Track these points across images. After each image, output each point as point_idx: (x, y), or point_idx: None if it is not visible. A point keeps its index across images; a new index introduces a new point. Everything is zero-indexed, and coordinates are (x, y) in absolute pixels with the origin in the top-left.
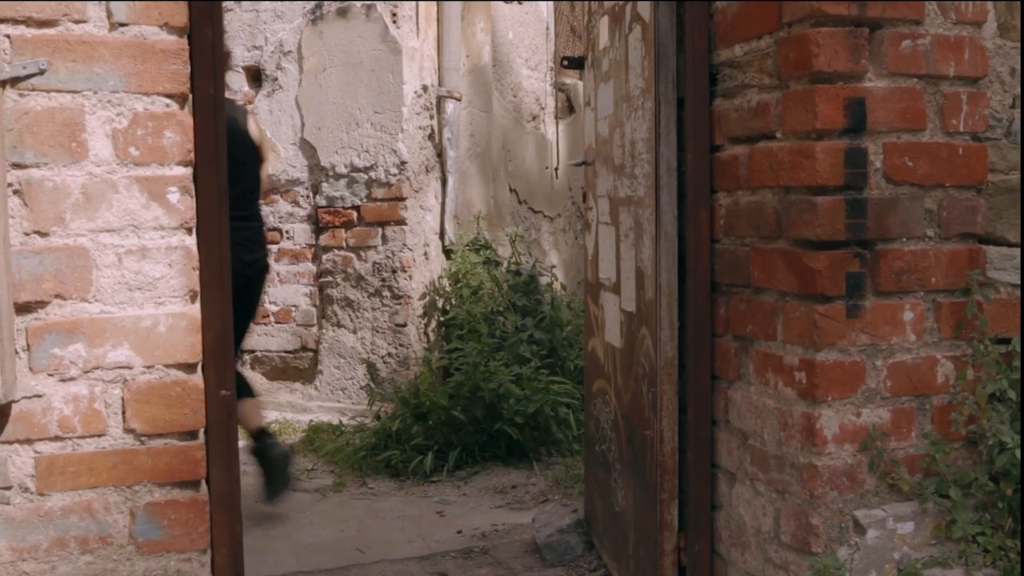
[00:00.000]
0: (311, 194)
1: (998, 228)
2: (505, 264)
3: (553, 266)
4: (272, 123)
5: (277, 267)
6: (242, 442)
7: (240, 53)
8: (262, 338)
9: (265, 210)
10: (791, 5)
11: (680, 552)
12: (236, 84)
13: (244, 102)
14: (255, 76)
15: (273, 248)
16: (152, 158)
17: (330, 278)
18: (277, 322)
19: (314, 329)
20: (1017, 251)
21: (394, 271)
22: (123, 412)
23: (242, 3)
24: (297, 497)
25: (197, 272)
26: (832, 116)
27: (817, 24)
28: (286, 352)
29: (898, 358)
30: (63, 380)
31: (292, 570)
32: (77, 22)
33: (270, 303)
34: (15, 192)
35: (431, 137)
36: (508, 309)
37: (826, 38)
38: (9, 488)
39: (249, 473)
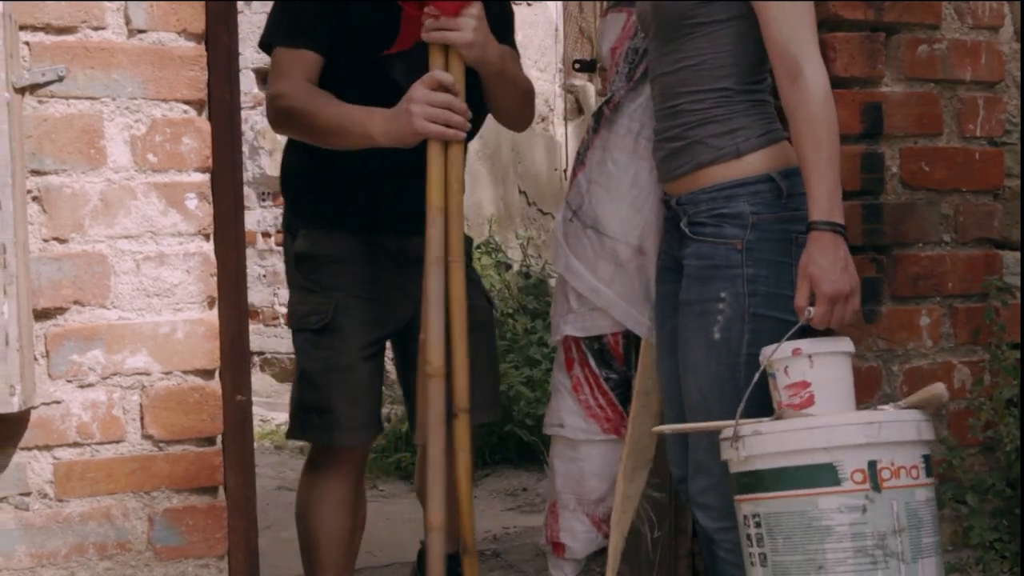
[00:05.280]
0: None
1: (1014, 233)
2: (516, 266)
3: None
4: None
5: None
6: (257, 443)
7: (250, 55)
8: (271, 340)
9: (274, 213)
10: None
11: (694, 557)
12: (246, 86)
13: (254, 104)
14: (265, 78)
15: (282, 251)
16: (170, 164)
17: None
18: (287, 324)
19: None
20: None
21: None
22: (141, 418)
23: (252, 4)
24: None
25: (215, 278)
26: (848, 121)
27: (833, 29)
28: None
29: (915, 363)
30: (81, 386)
31: (303, 573)
32: (96, 28)
33: (280, 305)
34: (34, 199)
35: None
36: (518, 311)
37: (843, 43)
38: (28, 494)
39: (260, 476)
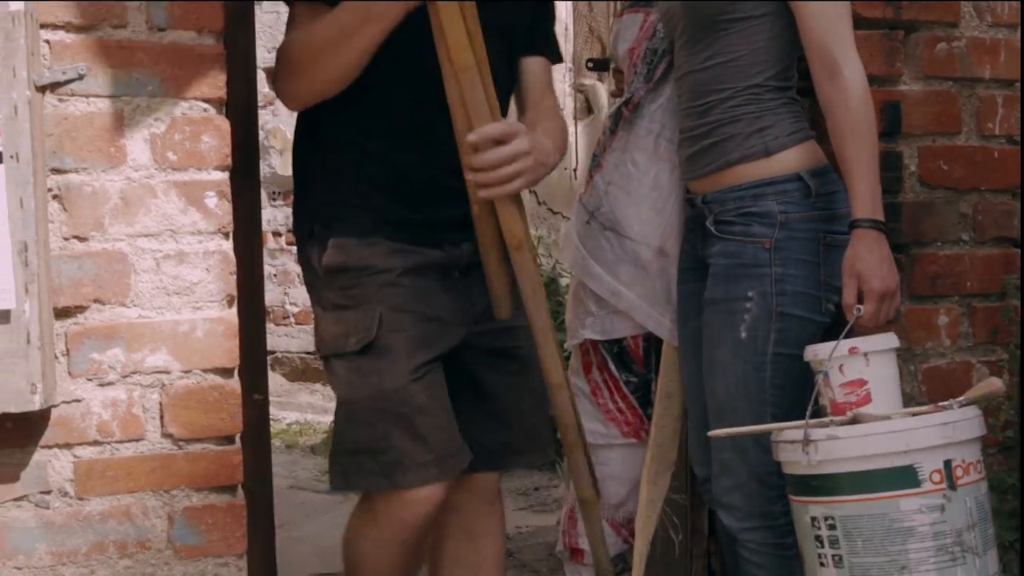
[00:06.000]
0: None
1: None
2: None
3: None
4: (292, 125)
5: (297, 269)
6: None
7: (261, 55)
8: (282, 339)
9: (284, 212)
10: None
11: (710, 557)
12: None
13: (264, 104)
14: None
15: (292, 250)
16: (190, 163)
17: None
18: (297, 323)
19: None
20: None
21: None
22: (161, 417)
23: (263, 4)
24: (319, 499)
25: (234, 277)
26: None
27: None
28: (307, 353)
29: (933, 363)
30: (101, 385)
31: (317, 572)
32: (116, 27)
33: (290, 304)
34: (54, 197)
35: None
36: None
37: (861, 41)
38: (48, 492)
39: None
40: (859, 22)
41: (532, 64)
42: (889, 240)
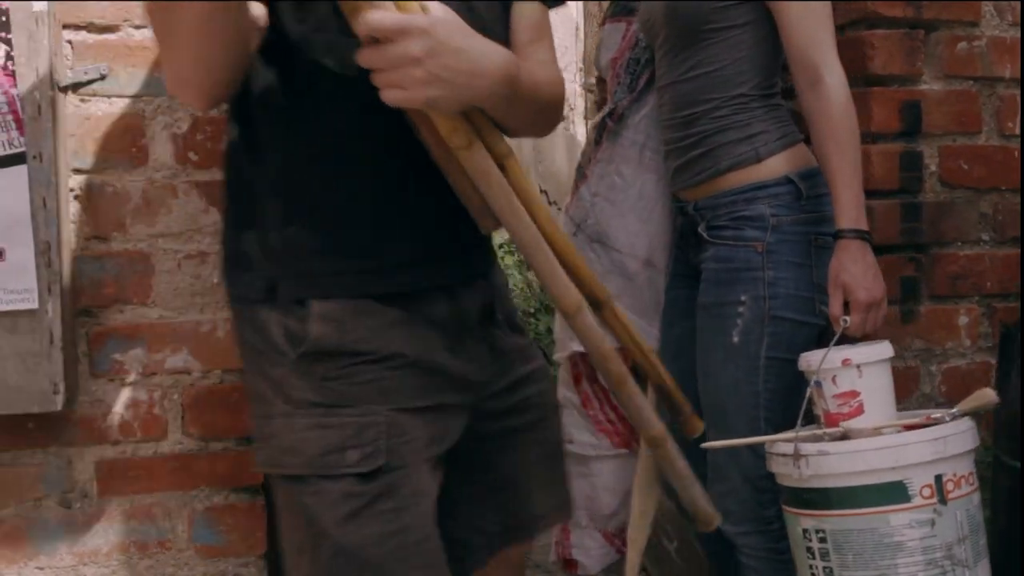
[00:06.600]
0: None
1: None
2: None
3: None
4: None
5: None
6: None
7: None
8: None
9: None
10: (846, 7)
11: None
12: None
13: None
14: None
15: None
16: (211, 163)
17: None
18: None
19: None
20: None
21: None
22: (182, 417)
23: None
24: None
25: None
26: (887, 119)
27: (872, 26)
28: None
29: (953, 363)
30: (123, 385)
31: None
32: (137, 27)
33: None
34: (76, 197)
35: None
36: (540, 310)
37: (881, 40)
38: (70, 492)
39: None
40: (880, 21)
41: (521, 8)
42: (910, 240)
